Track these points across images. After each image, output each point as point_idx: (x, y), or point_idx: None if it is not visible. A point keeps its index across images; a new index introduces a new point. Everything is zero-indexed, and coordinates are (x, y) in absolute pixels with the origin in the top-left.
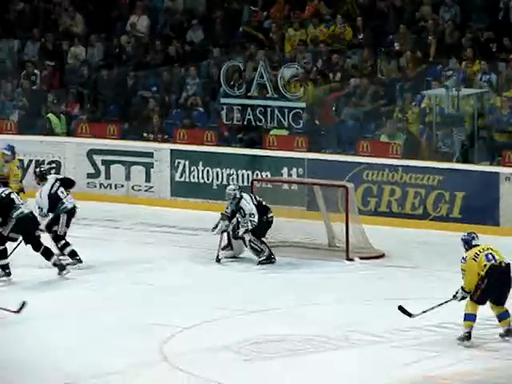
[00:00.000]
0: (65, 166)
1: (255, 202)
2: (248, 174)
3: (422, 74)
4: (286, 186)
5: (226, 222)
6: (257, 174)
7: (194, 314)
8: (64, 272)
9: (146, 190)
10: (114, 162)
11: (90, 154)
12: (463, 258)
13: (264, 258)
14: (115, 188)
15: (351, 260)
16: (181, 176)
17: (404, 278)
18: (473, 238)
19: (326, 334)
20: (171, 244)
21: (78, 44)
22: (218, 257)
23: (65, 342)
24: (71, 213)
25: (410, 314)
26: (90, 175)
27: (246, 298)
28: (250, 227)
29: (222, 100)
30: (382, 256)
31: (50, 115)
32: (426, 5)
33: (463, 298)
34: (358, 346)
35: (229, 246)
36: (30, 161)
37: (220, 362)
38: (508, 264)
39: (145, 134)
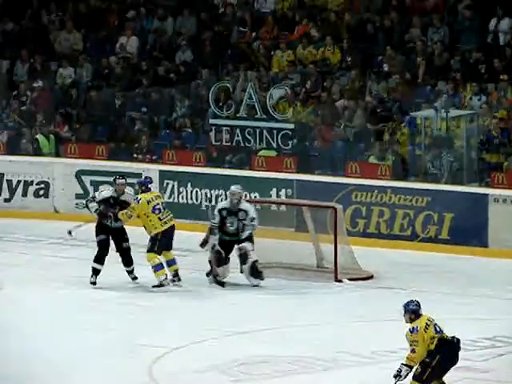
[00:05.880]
0: (53, 186)
1: None
2: None
3: (411, 96)
4: (274, 207)
5: (216, 236)
6: (245, 195)
7: (181, 335)
8: None
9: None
10: (102, 182)
11: (79, 174)
12: (413, 328)
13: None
14: None
15: (340, 281)
16: (169, 197)
17: (392, 300)
18: (419, 307)
19: (314, 355)
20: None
21: (67, 65)
22: (215, 276)
23: (53, 362)
24: None
25: None
26: (78, 196)
27: (233, 318)
28: (254, 230)
29: (211, 121)
30: (370, 277)
31: (38, 136)
32: (414, 26)
33: (407, 375)
34: (345, 367)
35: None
36: (19, 181)
37: (209, 383)
38: (459, 340)
39: (134, 155)
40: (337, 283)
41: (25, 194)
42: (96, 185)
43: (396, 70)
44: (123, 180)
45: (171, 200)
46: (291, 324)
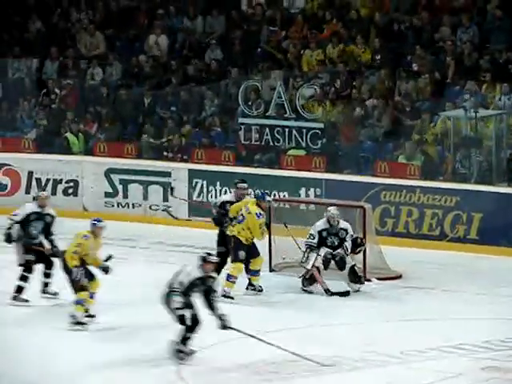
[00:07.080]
0: (82, 184)
1: None
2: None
3: (441, 96)
4: (303, 207)
5: (315, 254)
6: (274, 194)
7: (211, 334)
8: None
9: (163, 210)
10: (131, 181)
11: (108, 172)
12: None
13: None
14: (133, 207)
15: (368, 280)
16: (198, 196)
17: (421, 299)
18: None
19: (342, 355)
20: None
21: (97, 63)
22: (328, 289)
23: (79, 361)
24: None
25: None
26: (107, 194)
27: (263, 317)
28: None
29: (240, 120)
30: (399, 277)
31: (68, 134)
32: (444, 26)
33: None
34: (374, 366)
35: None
36: (48, 180)
37: (237, 383)
38: None
39: (164, 153)
40: (366, 282)
41: (54, 193)
42: (125, 183)
43: (425, 69)
44: (245, 184)
45: (200, 199)
46: (320, 323)
